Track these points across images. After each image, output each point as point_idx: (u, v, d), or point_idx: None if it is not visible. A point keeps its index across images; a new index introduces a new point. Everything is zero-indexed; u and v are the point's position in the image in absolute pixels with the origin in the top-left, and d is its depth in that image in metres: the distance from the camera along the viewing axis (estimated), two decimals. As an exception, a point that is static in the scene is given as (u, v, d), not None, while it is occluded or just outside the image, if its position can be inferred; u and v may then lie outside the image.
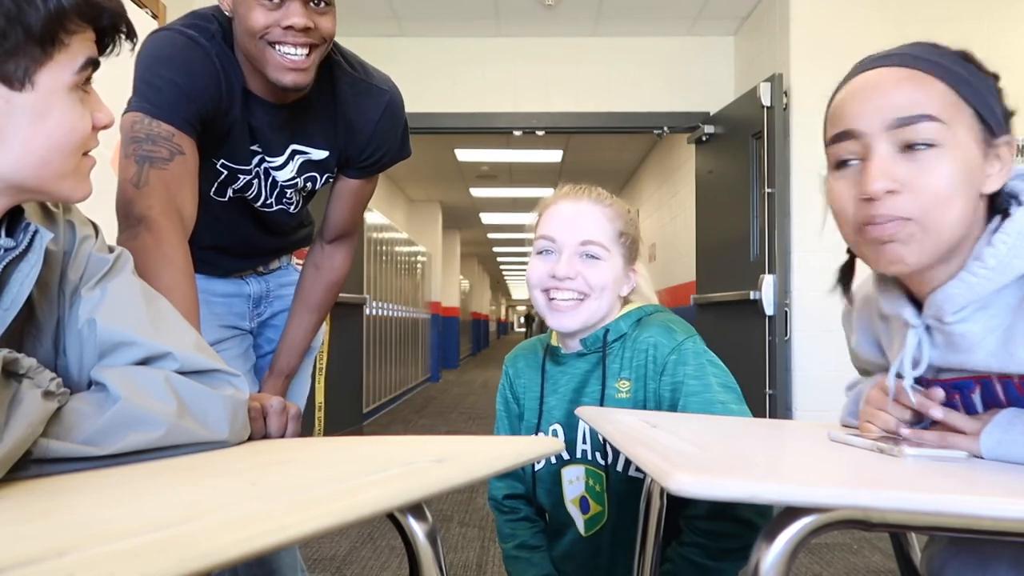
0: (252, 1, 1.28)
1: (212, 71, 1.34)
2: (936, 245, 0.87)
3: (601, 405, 1.31)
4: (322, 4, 1.31)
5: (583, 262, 1.29)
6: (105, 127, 0.88)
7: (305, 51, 1.30)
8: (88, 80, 0.86)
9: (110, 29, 0.86)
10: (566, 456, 1.36)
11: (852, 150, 0.91)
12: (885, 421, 0.96)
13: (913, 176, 0.86)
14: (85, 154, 0.87)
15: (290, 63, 1.30)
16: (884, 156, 0.87)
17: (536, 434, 1.39)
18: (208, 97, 1.34)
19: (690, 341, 1.27)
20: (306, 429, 1.03)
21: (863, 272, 1.04)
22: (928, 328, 0.93)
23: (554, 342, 1.42)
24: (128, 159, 1.28)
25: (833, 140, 0.93)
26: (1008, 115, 0.92)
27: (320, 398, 2.11)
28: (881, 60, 0.92)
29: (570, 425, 1.36)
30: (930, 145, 0.86)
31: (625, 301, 1.39)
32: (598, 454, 1.33)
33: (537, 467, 1.38)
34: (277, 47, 1.29)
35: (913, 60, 0.90)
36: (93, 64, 0.85)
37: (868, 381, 1.12)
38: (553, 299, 1.31)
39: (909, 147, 0.87)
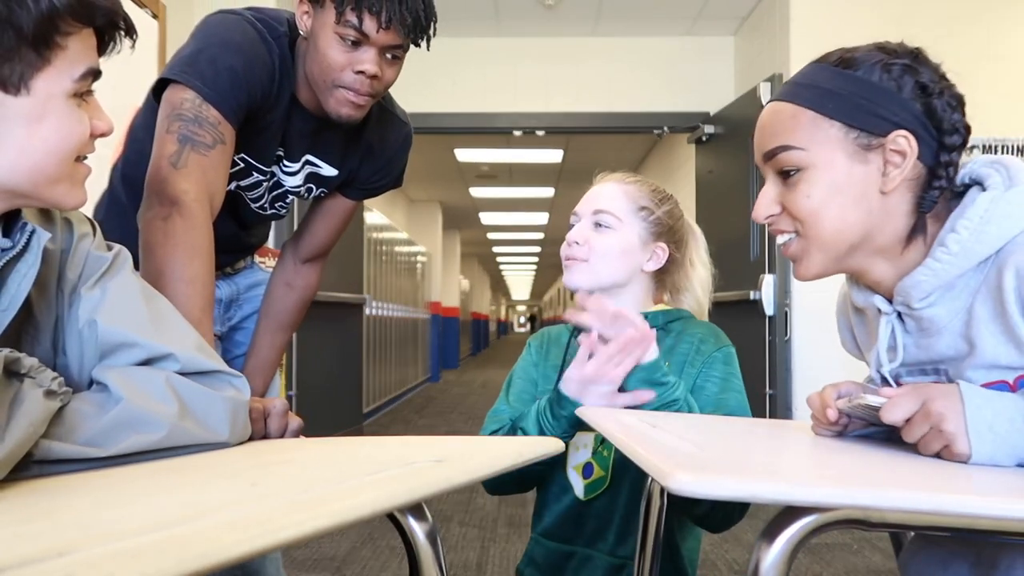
0: (331, 36, 1.30)
1: (270, 71, 1.37)
2: (826, 253, 0.97)
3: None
4: (394, 57, 1.35)
5: (594, 231, 1.41)
6: (103, 135, 0.87)
7: (365, 99, 1.36)
8: (89, 89, 0.85)
9: (108, 28, 0.85)
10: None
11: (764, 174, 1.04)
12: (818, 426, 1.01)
13: (787, 199, 0.98)
14: (80, 161, 0.86)
15: (348, 101, 1.35)
16: (767, 185, 1.00)
17: None
18: (260, 95, 1.36)
19: (733, 349, 1.37)
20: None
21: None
22: (900, 317, 0.99)
23: None
24: (170, 135, 1.27)
25: None
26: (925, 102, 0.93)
27: (281, 396, 2.12)
28: (776, 94, 1.03)
29: None
30: (798, 169, 0.96)
31: (672, 291, 1.45)
32: None
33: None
34: (342, 89, 1.34)
35: (787, 92, 0.99)
36: (94, 74, 0.84)
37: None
38: (568, 258, 1.43)
39: (783, 173, 0.98)
